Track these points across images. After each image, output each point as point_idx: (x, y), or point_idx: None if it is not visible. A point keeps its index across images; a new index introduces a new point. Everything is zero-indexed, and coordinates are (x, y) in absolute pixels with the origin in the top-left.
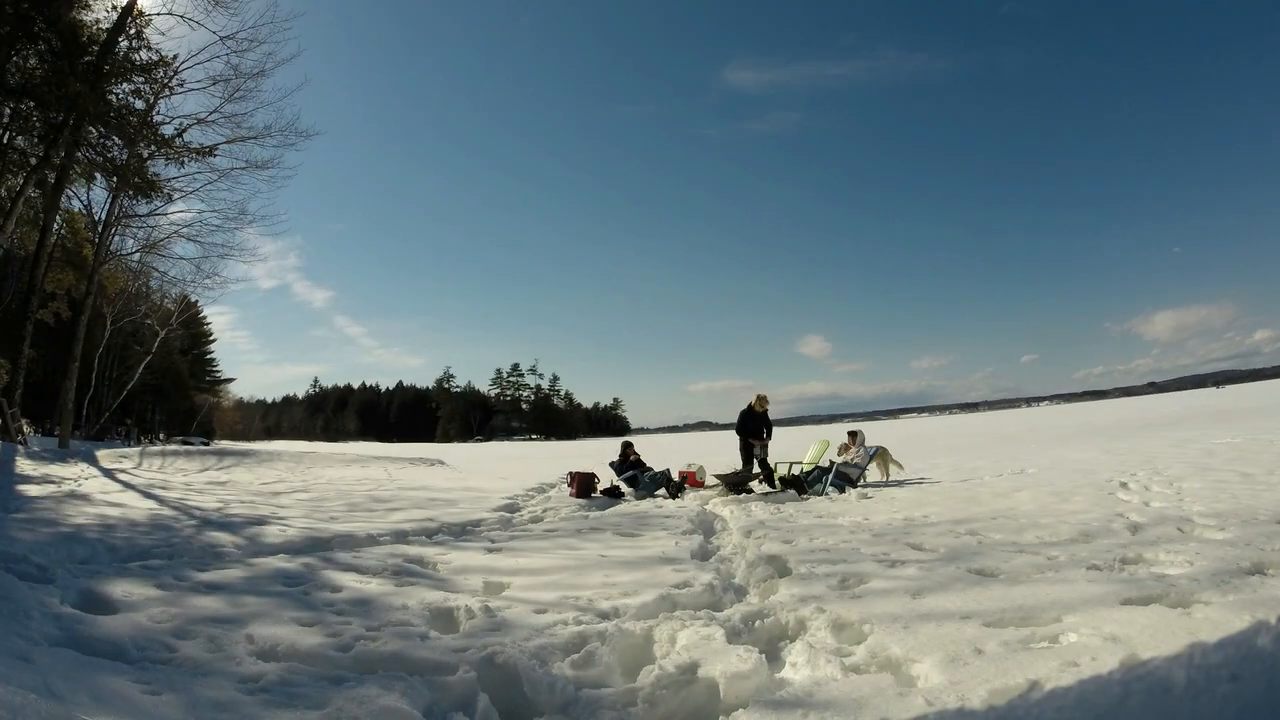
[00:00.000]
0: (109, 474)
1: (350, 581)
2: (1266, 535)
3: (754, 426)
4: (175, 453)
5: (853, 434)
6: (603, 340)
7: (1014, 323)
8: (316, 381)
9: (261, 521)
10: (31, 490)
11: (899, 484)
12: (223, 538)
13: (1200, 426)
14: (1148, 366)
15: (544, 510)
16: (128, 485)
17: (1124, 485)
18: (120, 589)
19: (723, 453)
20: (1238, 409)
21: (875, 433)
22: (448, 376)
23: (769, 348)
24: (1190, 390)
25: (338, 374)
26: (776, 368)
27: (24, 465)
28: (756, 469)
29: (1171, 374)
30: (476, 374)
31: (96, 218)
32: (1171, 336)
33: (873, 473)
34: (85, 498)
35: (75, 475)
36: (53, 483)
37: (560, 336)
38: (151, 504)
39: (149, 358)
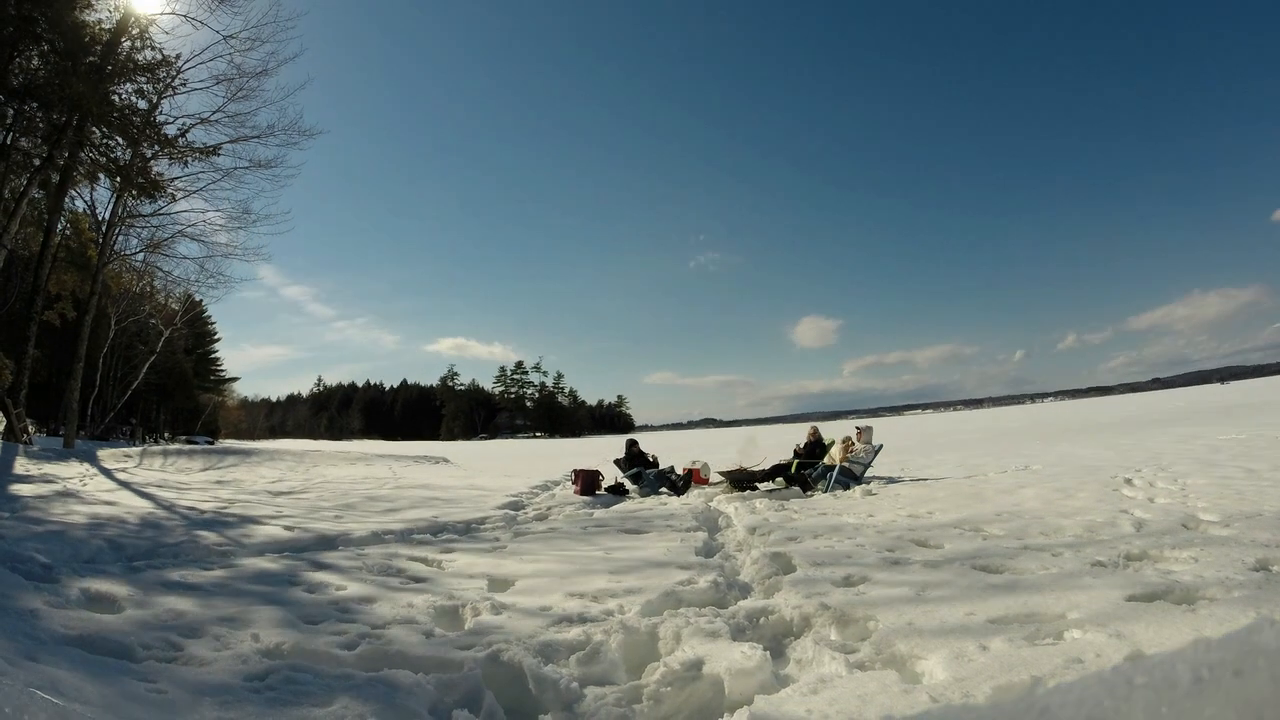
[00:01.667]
0: (109, 474)
1: (355, 580)
2: (1272, 532)
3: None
4: (177, 452)
5: (860, 429)
6: (607, 336)
7: (1051, 307)
8: (320, 380)
9: (265, 521)
10: (29, 490)
11: (903, 481)
12: (225, 537)
13: (1205, 423)
14: (1196, 351)
15: (549, 508)
16: (126, 485)
17: (1129, 482)
18: (125, 588)
19: (727, 449)
20: (1243, 404)
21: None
22: (451, 374)
23: (771, 343)
24: (1195, 386)
25: (307, 357)
26: (779, 362)
27: (23, 465)
28: (765, 466)
29: (1219, 360)
30: (474, 365)
31: (100, 218)
32: (1223, 320)
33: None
34: (84, 498)
35: (74, 475)
36: (50, 482)
37: (557, 323)
38: (152, 504)
39: (153, 357)
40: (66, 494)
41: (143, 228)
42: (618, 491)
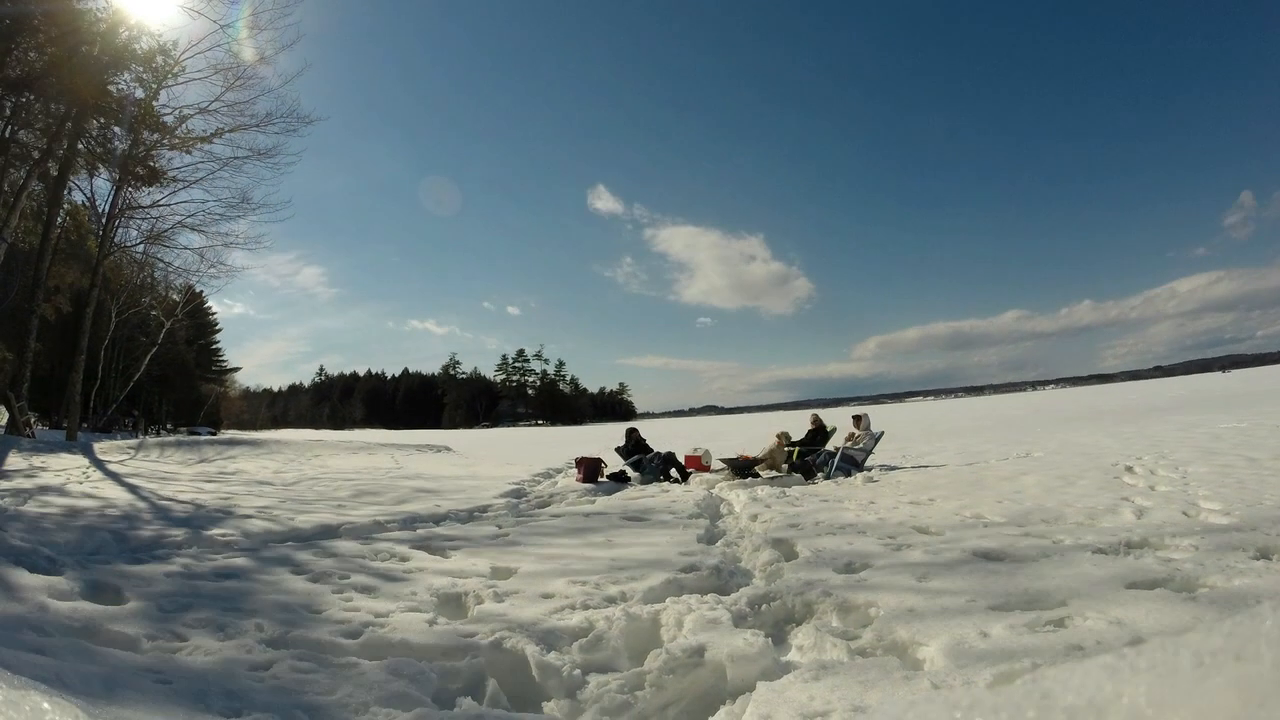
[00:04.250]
0: (105, 466)
1: (357, 569)
2: (1272, 520)
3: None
4: (176, 444)
5: (857, 418)
6: (607, 326)
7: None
8: (322, 370)
9: (266, 511)
10: (30, 484)
11: (905, 468)
12: (227, 528)
13: (1206, 411)
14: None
15: (551, 496)
16: (124, 478)
17: (1130, 469)
18: (129, 580)
19: (730, 435)
20: (1244, 393)
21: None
22: (454, 363)
23: (772, 325)
24: (1197, 374)
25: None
26: (782, 345)
27: (22, 459)
28: (766, 457)
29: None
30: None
31: (100, 210)
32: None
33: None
34: (83, 492)
35: (72, 468)
36: (49, 475)
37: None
38: (152, 497)
39: (155, 349)
40: (66, 487)
41: (143, 219)
42: (620, 479)
